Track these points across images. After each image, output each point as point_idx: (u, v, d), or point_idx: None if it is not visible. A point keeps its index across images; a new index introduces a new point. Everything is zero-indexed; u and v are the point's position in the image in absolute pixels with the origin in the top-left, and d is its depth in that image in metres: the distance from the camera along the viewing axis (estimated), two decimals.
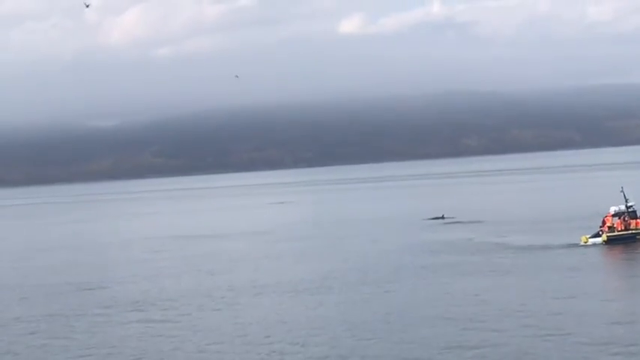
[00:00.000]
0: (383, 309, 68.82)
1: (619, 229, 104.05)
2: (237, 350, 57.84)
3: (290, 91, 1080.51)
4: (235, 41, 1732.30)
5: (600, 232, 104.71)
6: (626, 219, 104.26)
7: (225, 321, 68.96)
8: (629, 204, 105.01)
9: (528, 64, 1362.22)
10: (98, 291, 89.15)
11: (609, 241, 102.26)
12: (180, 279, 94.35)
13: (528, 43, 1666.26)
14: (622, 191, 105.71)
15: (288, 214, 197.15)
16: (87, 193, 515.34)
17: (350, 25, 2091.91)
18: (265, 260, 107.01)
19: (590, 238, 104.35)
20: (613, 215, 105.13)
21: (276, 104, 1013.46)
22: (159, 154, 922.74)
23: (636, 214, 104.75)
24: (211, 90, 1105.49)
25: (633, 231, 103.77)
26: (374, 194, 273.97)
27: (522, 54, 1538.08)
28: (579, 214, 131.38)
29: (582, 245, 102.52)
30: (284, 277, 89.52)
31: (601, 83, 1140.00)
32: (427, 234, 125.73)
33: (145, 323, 69.48)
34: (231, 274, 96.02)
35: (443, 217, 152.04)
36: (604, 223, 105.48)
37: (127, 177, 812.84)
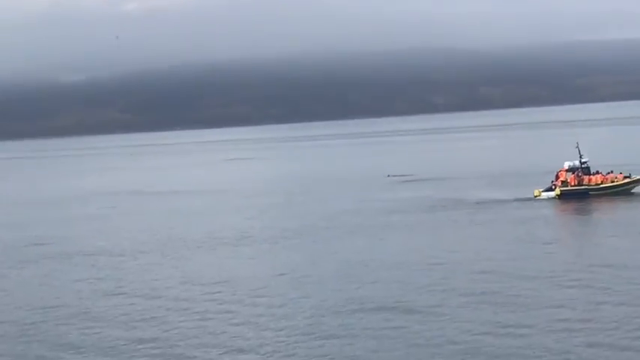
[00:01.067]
0: (335, 263, 68.84)
1: (572, 184, 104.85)
2: (182, 303, 57.68)
3: (259, 47, 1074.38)
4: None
5: (553, 187, 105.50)
6: (579, 174, 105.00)
7: (176, 272, 68.98)
8: (583, 160, 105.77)
9: (498, 20, 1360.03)
10: (51, 246, 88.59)
11: (562, 196, 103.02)
12: (136, 234, 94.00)
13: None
14: (577, 147, 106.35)
15: (252, 171, 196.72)
16: (51, 148, 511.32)
17: None
18: (223, 216, 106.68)
19: (542, 192, 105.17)
20: (567, 170, 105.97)
21: (244, 60, 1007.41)
22: (126, 110, 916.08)
23: (590, 170, 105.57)
24: (180, 46, 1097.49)
25: (586, 187, 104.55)
26: (340, 151, 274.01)
27: (492, 10, 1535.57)
28: (537, 170, 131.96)
29: (536, 199, 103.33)
30: (239, 233, 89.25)
31: (571, 40, 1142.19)
32: (387, 192, 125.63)
33: (95, 277, 69.28)
34: (189, 228, 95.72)
35: (389, 176, 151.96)
36: (557, 177, 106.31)
37: (93, 133, 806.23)
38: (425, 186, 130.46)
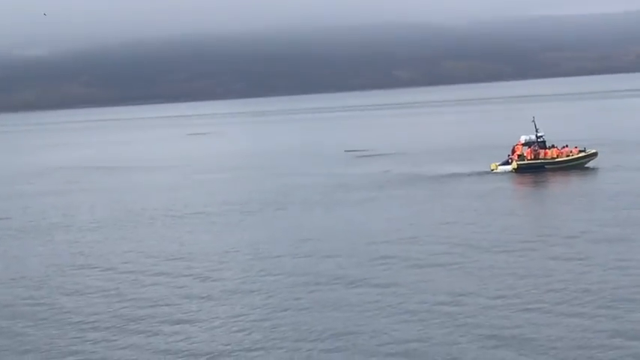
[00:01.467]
0: (293, 238, 68.97)
1: (529, 157, 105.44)
2: (137, 277, 57.74)
3: (221, 21, 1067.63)
4: None
5: (510, 161, 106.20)
6: (535, 148, 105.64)
7: (133, 246, 68.98)
8: (539, 134, 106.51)
9: None
10: (6, 221, 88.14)
11: (519, 169, 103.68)
12: (94, 209, 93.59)
13: None
14: (533, 121, 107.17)
15: (213, 146, 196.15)
16: (11, 123, 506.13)
17: None
18: (182, 191, 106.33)
19: (499, 165, 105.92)
20: (523, 144, 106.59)
21: (207, 35, 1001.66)
22: (88, 85, 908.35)
23: (545, 144, 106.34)
24: (144, 20, 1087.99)
25: (542, 160, 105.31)
26: (301, 126, 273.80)
27: None
28: (495, 144, 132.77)
29: (492, 173, 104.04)
30: (198, 208, 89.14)
31: (534, 15, 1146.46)
32: (345, 167, 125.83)
33: (50, 252, 69.08)
34: (147, 203, 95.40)
35: (346, 151, 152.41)
36: (513, 151, 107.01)
37: (54, 108, 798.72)
38: (384, 161, 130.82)
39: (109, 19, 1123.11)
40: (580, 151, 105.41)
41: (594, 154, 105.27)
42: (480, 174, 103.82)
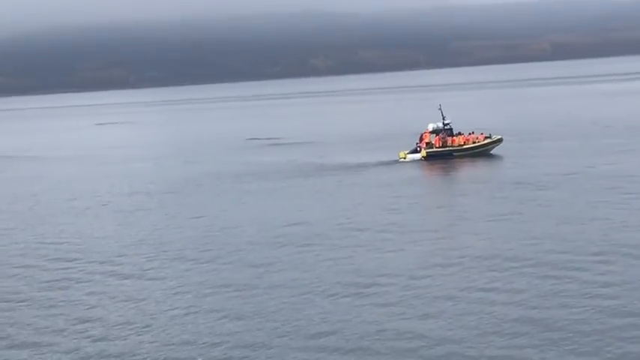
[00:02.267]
0: (194, 229, 67.39)
1: (437, 145, 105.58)
2: (34, 271, 55.46)
3: (136, 9, 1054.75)
4: None
5: (418, 149, 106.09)
6: (443, 136, 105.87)
7: (33, 239, 66.63)
8: (445, 121, 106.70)
9: None
10: None
11: (428, 157, 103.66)
12: None
13: None
14: (440, 109, 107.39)
15: (121, 135, 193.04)
16: None
17: None
18: (86, 182, 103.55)
19: (408, 154, 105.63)
20: (431, 132, 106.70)
21: (122, 23, 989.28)
22: (1, 73, 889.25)
23: (452, 132, 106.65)
24: (56, 7, 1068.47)
25: (450, 148, 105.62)
26: (214, 115, 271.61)
27: None
28: (404, 132, 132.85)
29: (401, 161, 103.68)
30: (101, 199, 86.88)
31: (448, 4, 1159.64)
32: (250, 156, 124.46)
33: None
34: (51, 194, 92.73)
35: (248, 140, 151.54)
36: (421, 139, 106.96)
37: None
38: (290, 150, 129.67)
39: (21, 7, 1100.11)
40: (486, 138, 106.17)
41: (499, 140, 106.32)
42: (388, 163, 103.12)
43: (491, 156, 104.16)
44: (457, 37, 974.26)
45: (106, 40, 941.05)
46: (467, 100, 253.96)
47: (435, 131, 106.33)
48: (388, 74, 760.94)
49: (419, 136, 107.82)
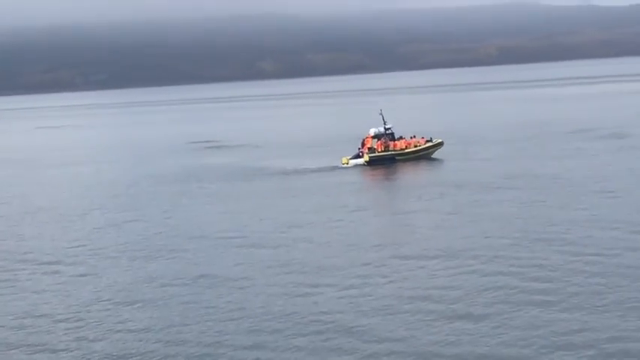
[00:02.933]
0: (131, 233, 66.31)
1: (379, 150, 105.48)
2: None
3: (83, 11, 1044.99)
4: None
5: (360, 154, 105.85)
6: (385, 140, 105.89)
7: None
8: (387, 126, 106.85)
9: None
10: None
11: (371, 162, 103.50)
12: None
13: None
14: (381, 114, 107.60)
15: (63, 139, 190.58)
16: None
17: None
18: (23, 187, 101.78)
19: (350, 159, 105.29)
20: (373, 137, 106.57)
21: (68, 25, 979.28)
22: None
23: (394, 136, 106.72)
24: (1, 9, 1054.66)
25: (392, 152, 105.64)
26: (156, 118, 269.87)
27: None
28: (347, 137, 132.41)
29: (344, 166, 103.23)
30: (38, 204, 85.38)
31: (394, 8, 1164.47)
32: (187, 159, 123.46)
33: None
34: None
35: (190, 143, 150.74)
36: (363, 144, 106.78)
37: None
38: (230, 153, 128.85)
39: None
40: (427, 142, 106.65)
41: (440, 144, 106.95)
42: (331, 168, 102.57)
43: (433, 159, 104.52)
44: (404, 40, 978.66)
45: (52, 42, 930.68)
46: (411, 103, 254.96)
47: (377, 136, 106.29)
48: (335, 78, 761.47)
49: (361, 141, 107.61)
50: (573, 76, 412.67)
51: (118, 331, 41.15)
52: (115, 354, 37.93)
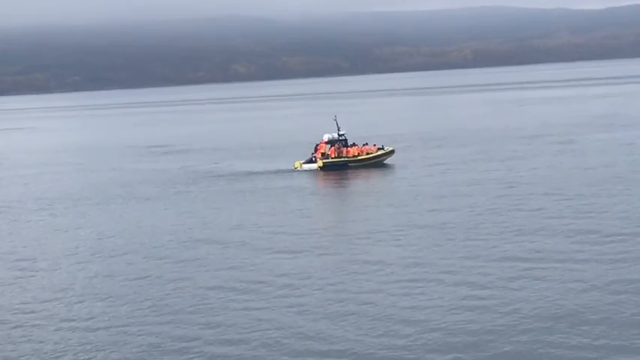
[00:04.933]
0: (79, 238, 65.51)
1: (332, 156, 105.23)
2: None
3: (55, 13, 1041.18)
4: None
5: (313, 159, 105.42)
6: (339, 147, 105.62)
7: None
8: (340, 132, 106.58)
9: None
10: None
11: (324, 167, 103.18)
12: None
13: None
14: (335, 120, 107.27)
15: (21, 142, 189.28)
16: None
17: None
18: None
19: (303, 164, 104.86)
20: (326, 143, 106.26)
21: (40, 26, 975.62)
22: None
23: (347, 143, 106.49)
24: None
25: (345, 158, 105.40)
26: (123, 120, 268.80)
27: None
28: (308, 141, 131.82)
29: (297, 171, 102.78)
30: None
31: (371, 11, 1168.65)
32: (141, 163, 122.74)
33: None
34: None
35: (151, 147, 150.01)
36: (317, 149, 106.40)
37: None
38: (185, 157, 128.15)
39: None
40: (379, 149, 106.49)
41: (392, 152, 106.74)
42: (283, 172, 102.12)
43: (385, 166, 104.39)
44: (380, 43, 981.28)
45: (25, 44, 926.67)
46: (380, 107, 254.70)
47: (331, 142, 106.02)
48: (310, 80, 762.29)
49: (314, 147, 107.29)
50: (544, 79, 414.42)
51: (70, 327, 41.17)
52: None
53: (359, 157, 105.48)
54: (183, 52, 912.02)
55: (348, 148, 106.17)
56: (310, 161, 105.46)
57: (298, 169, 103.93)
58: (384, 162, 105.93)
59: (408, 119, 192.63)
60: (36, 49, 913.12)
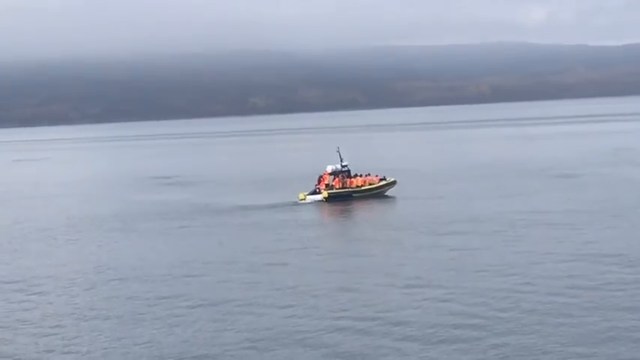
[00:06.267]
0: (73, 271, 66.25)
1: (337, 187, 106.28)
2: None
3: (76, 45, 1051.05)
4: None
5: (317, 190, 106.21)
6: (343, 178, 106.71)
7: None
8: (343, 163, 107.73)
9: (317, 23, 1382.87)
10: None
11: (329, 199, 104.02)
12: None
13: (321, 2, 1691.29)
14: (338, 151, 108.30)
15: (36, 173, 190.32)
16: None
17: None
18: None
19: (308, 195, 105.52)
20: (330, 174, 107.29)
21: (61, 59, 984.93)
22: None
23: (350, 174, 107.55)
24: None
25: (349, 189, 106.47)
26: (137, 152, 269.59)
27: (311, 13, 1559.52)
28: (313, 172, 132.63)
29: (302, 203, 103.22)
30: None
31: (388, 45, 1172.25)
32: (144, 194, 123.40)
33: None
34: None
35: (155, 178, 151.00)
36: (320, 181, 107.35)
37: None
38: (190, 189, 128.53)
39: None
40: (381, 180, 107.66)
41: (394, 183, 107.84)
42: (289, 204, 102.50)
43: (387, 197, 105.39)
44: (397, 77, 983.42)
45: (46, 75, 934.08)
46: (393, 140, 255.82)
47: (334, 173, 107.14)
48: (327, 114, 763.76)
49: (317, 178, 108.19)
50: (561, 115, 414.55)
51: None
52: None
53: (362, 188, 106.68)
54: (202, 85, 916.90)
55: (352, 179, 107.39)
56: (314, 192, 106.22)
57: (303, 200, 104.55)
58: (386, 193, 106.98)
59: (417, 152, 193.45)
60: (56, 81, 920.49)
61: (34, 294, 57.65)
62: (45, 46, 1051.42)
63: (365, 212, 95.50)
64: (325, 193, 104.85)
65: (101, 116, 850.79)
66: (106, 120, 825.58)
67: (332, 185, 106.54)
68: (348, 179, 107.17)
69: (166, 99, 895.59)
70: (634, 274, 54.28)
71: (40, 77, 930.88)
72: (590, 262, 58.75)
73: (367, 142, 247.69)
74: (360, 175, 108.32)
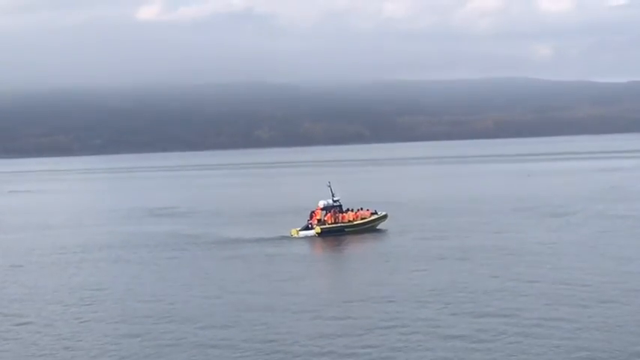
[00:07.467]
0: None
1: (329, 222, 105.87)
2: None
3: (81, 76, 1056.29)
4: (29, 24, 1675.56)
5: (310, 225, 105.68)
6: (335, 212, 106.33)
7: None
8: (335, 198, 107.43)
9: (322, 57, 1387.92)
10: None
11: (322, 233, 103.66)
12: None
13: (325, 36, 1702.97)
14: (329, 186, 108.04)
15: (30, 203, 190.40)
16: None
17: (148, 12, 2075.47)
18: None
19: (300, 230, 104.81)
20: (322, 209, 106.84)
21: (65, 89, 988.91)
22: None
23: (342, 208, 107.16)
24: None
25: (341, 224, 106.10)
26: (136, 184, 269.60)
27: (316, 47, 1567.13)
28: (306, 207, 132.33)
29: (294, 238, 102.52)
30: None
31: (392, 79, 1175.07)
32: (135, 225, 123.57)
33: None
34: None
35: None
36: (312, 216, 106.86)
37: None
38: (182, 221, 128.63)
39: None
40: (372, 214, 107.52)
41: (385, 217, 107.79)
42: (280, 238, 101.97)
43: (378, 230, 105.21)
44: (402, 112, 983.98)
45: (50, 106, 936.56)
46: (391, 175, 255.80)
47: (326, 208, 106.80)
48: (331, 147, 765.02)
49: (309, 213, 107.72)
50: (562, 151, 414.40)
51: None
52: None
53: (355, 222, 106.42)
54: (206, 117, 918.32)
55: (344, 214, 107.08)
56: (306, 228, 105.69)
57: (295, 236, 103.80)
58: (377, 227, 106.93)
59: (416, 187, 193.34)
60: (60, 112, 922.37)
61: (16, 325, 57.37)
62: (48, 76, 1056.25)
63: (354, 246, 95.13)
64: (318, 229, 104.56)
65: (104, 147, 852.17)
66: (108, 151, 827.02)
67: (324, 220, 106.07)
68: (340, 214, 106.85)
69: (169, 130, 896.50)
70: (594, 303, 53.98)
71: (43, 108, 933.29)
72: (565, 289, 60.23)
73: (367, 175, 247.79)
74: (352, 210, 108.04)
